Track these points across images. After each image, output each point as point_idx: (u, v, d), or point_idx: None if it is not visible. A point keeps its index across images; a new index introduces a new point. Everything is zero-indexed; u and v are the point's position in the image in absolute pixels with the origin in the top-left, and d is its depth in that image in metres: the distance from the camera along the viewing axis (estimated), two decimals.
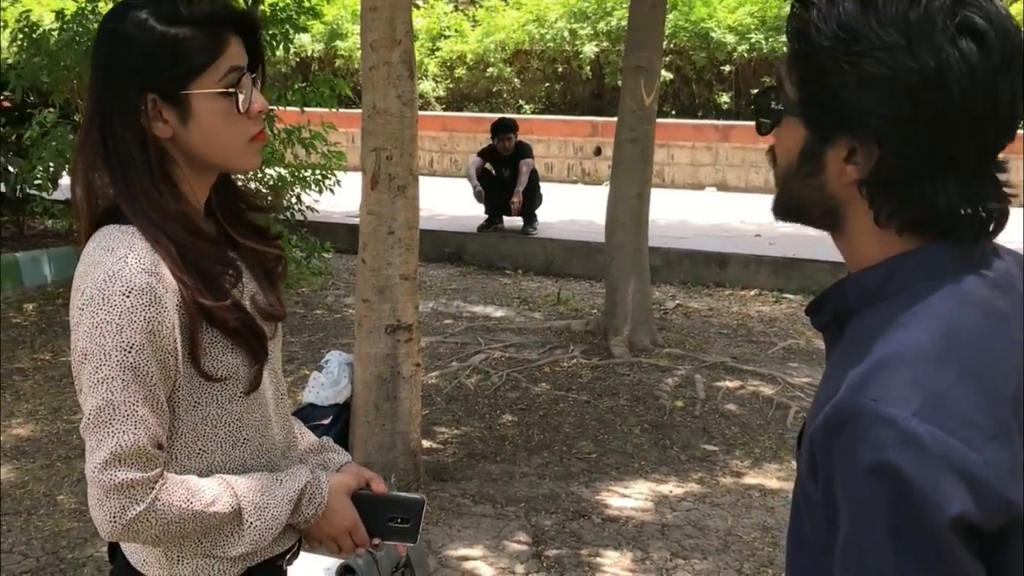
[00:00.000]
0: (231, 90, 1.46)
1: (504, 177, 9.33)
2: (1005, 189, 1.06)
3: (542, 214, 9.64)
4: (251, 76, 1.50)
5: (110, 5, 8.26)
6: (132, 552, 1.55)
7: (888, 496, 0.94)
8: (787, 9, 1.17)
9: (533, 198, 9.44)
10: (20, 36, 7.97)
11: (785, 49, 1.09)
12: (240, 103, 1.47)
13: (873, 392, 0.97)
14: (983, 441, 0.95)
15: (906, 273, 1.05)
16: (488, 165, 9.43)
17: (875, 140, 1.02)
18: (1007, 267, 1.09)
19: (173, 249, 1.43)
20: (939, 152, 1.01)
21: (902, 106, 1.00)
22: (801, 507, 1.11)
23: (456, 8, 17.92)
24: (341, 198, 8.31)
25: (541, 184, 9.69)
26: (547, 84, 15.83)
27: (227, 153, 1.51)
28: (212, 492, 1.46)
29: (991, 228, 1.05)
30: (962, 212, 1.03)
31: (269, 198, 7.07)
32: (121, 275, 1.38)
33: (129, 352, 1.37)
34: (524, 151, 9.45)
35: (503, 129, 9.40)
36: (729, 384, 5.94)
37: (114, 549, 1.60)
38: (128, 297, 1.37)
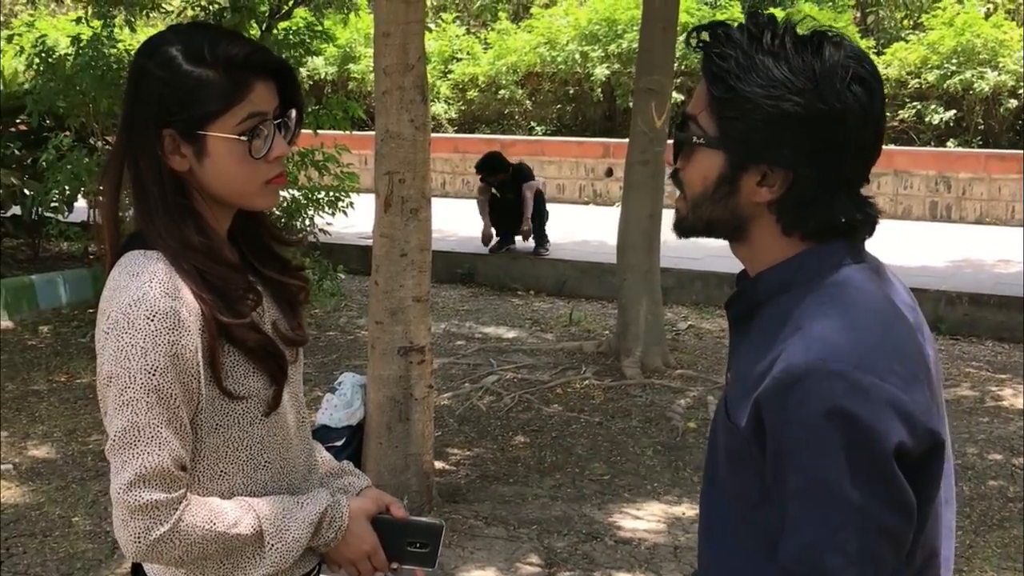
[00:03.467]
0: (243, 138, 1.47)
1: (509, 199, 9.33)
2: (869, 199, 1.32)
3: (553, 235, 9.65)
4: (276, 122, 1.51)
5: (125, 30, 8.37)
6: (155, 574, 1.57)
7: (843, 434, 1.16)
8: None
9: (540, 217, 9.44)
10: (36, 61, 8.05)
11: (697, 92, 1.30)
12: (254, 150, 1.49)
13: (818, 353, 1.18)
14: (905, 385, 1.19)
15: (812, 267, 1.28)
16: (494, 189, 9.44)
17: (789, 166, 1.24)
18: (875, 257, 1.35)
19: (195, 273, 1.46)
20: (840, 174, 1.25)
21: (813, 138, 1.22)
22: (720, 475, 1.35)
23: (468, 31, 18.03)
24: (354, 220, 8.35)
25: (550, 204, 9.68)
26: (559, 106, 15.88)
27: (241, 193, 1.53)
28: (234, 514, 1.49)
29: (873, 229, 1.31)
30: (857, 220, 1.28)
31: (295, 233, 7.02)
32: (145, 299, 1.41)
33: (153, 375, 1.40)
34: (524, 175, 9.38)
35: (482, 170, 9.35)
36: None
37: (137, 570, 1.61)
38: (152, 321, 1.40)
